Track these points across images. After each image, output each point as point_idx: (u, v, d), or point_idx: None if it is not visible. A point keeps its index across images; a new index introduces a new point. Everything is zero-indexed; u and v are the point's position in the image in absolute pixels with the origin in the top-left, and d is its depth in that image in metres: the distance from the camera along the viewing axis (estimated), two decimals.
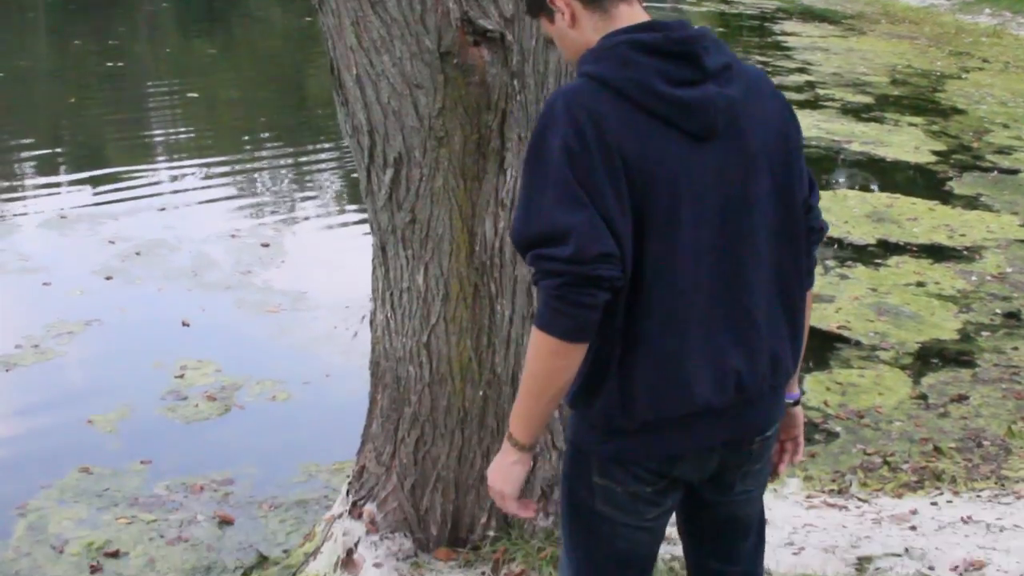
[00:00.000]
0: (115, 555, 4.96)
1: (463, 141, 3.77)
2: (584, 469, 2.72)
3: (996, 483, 5.57)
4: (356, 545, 4.25)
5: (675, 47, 2.55)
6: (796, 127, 2.80)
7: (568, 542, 2.86)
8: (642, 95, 2.51)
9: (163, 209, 9.80)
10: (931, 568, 4.29)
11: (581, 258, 2.40)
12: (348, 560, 4.23)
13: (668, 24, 2.61)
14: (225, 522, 5.27)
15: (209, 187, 10.80)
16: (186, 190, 10.58)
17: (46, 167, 11.61)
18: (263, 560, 4.89)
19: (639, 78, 2.51)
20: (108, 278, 8.09)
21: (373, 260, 4.21)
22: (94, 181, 10.76)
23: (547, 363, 2.51)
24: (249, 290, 7.98)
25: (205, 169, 11.60)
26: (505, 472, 2.71)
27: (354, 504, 4.34)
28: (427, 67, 3.66)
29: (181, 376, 6.58)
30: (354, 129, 3.92)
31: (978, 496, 5.34)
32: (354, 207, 10.44)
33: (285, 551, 4.98)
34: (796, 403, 2.98)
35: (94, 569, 4.85)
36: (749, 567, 3.00)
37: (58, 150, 12.62)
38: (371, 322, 4.30)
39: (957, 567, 4.35)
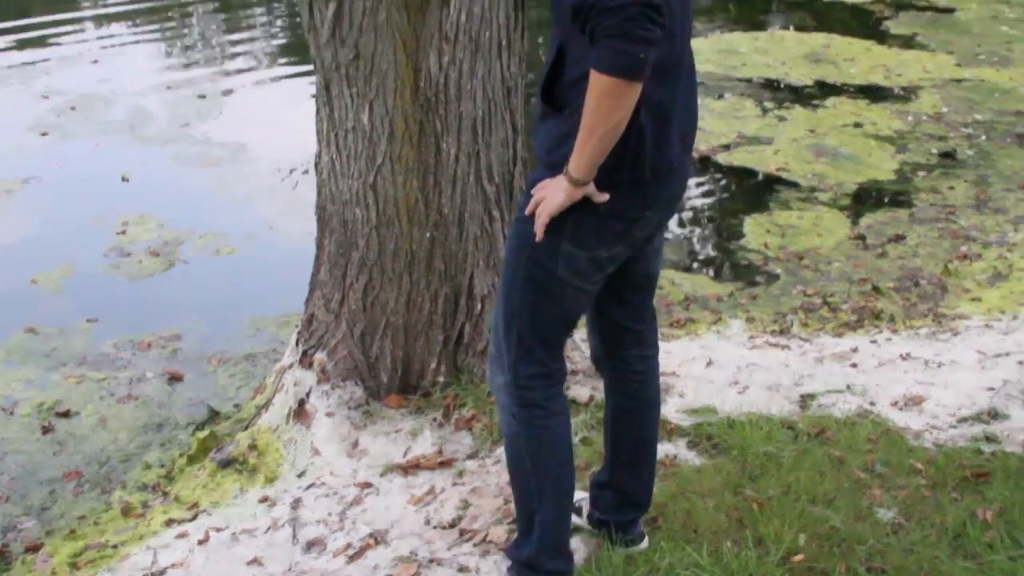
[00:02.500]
0: (66, 415, 4.95)
1: None
2: (555, 236, 2.93)
3: (933, 321, 5.65)
4: (308, 395, 4.25)
5: None
6: None
7: (510, 307, 3.05)
8: None
9: (96, 62, 9.62)
10: (872, 404, 4.35)
11: (650, 1, 2.62)
12: (300, 410, 4.24)
13: None
14: (175, 378, 5.27)
15: (141, 38, 10.61)
16: (118, 42, 10.37)
17: None
18: (214, 415, 4.89)
19: None
20: (44, 134, 7.96)
21: (316, 100, 4.16)
22: (21, 32, 10.52)
23: (602, 102, 2.72)
24: (188, 143, 7.89)
25: (135, 18, 11.36)
26: (554, 191, 2.89)
27: (304, 354, 4.34)
28: None
29: (123, 232, 6.53)
30: None
31: (916, 333, 5.41)
32: (291, 57, 10.30)
33: (236, 405, 5.01)
34: None
35: (46, 430, 4.84)
36: (651, 327, 3.29)
37: None
38: (316, 164, 4.26)
39: (897, 402, 4.42)
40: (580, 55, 2.82)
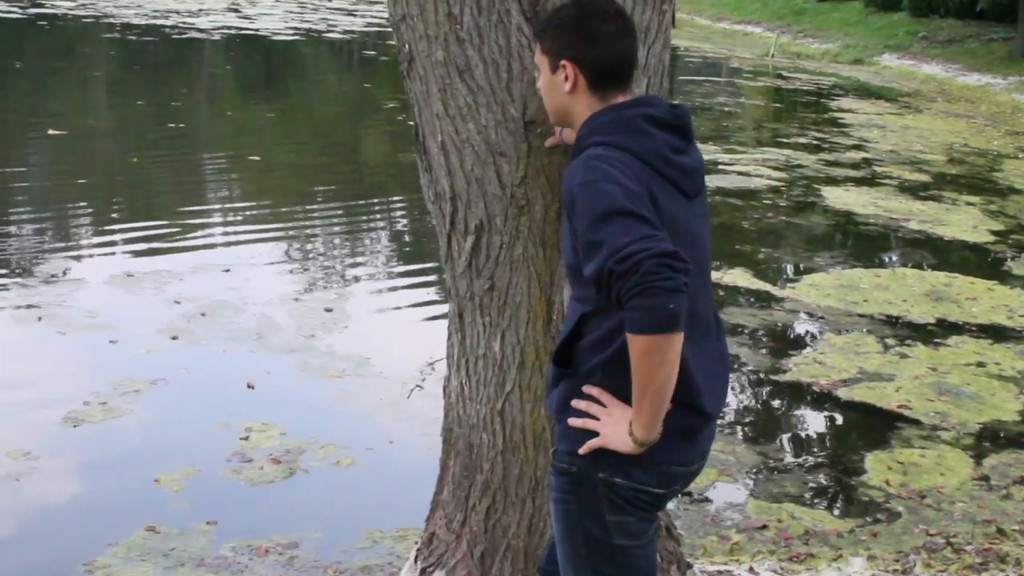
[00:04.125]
0: None
1: (544, 210, 3.82)
2: (596, 508, 3.01)
3: None
4: None
5: (675, 121, 3.05)
6: None
7: None
8: (657, 161, 2.95)
9: (227, 271, 9.89)
10: None
11: (664, 250, 2.71)
12: None
13: (658, 100, 3.13)
14: None
15: (271, 250, 10.89)
16: (249, 252, 10.67)
17: (110, 226, 11.74)
18: None
19: (654, 147, 2.96)
20: (174, 338, 8.17)
21: (449, 326, 4.25)
22: (158, 240, 10.89)
23: (644, 361, 2.78)
24: (313, 354, 8.05)
25: (266, 232, 11.71)
26: (618, 437, 2.94)
27: (423, 571, 4.35)
28: (511, 135, 3.73)
29: (246, 438, 6.63)
30: (437, 195, 3.98)
31: None
32: (412, 273, 10.51)
33: None
34: None
35: None
36: None
37: (120, 208, 12.76)
38: (445, 388, 4.34)
39: None
40: (602, 319, 2.90)
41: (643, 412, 2.84)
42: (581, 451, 2.98)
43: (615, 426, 2.92)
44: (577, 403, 3.02)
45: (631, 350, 2.77)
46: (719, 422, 7.01)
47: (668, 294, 2.68)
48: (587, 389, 3.00)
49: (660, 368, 2.76)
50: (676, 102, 3.16)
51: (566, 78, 3.08)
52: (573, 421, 3.02)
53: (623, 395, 2.92)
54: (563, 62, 3.08)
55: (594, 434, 2.97)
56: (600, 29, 3.05)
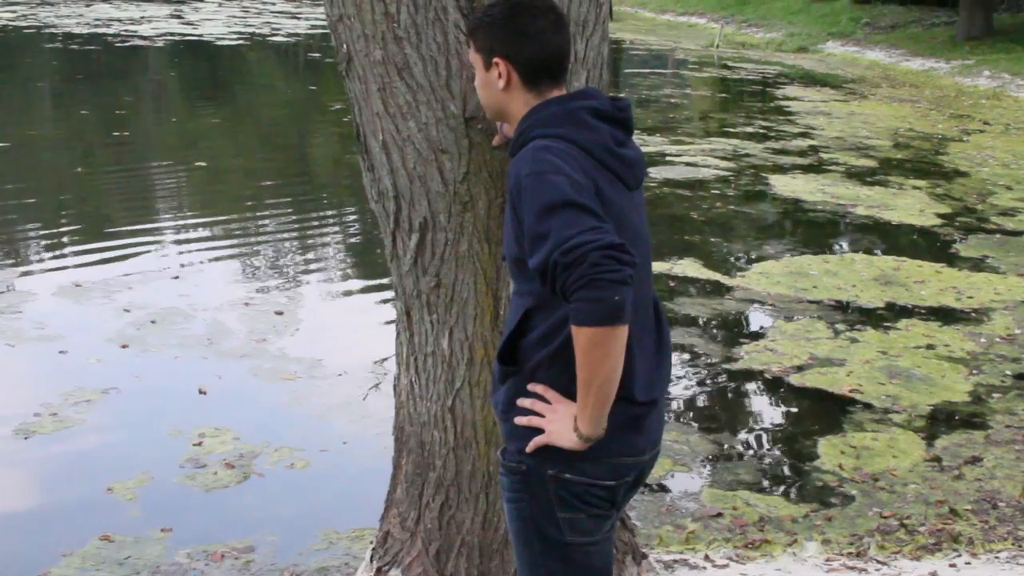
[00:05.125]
0: None
1: (487, 205, 3.82)
2: (547, 506, 3.01)
3: (1013, 544, 5.59)
4: None
5: (618, 114, 3.07)
6: None
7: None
8: (602, 153, 2.97)
9: (176, 278, 9.85)
10: None
11: (610, 242, 2.71)
12: None
13: (598, 93, 3.14)
14: None
15: (220, 256, 10.86)
16: (198, 258, 10.63)
17: (57, 236, 11.65)
18: None
19: (599, 139, 2.98)
20: (124, 346, 8.12)
21: (397, 325, 4.25)
22: (106, 250, 10.81)
23: (590, 354, 2.77)
24: (264, 358, 8.02)
25: (214, 238, 11.66)
26: (561, 433, 2.95)
27: (378, 570, 4.36)
28: (452, 132, 3.73)
29: (199, 444, 6.61)
30: (380, 194, 3.97)
31: (996, 557, 5.36)
32: (362, 274, 10.50)
33: None
34: None
35: None
36: None
37: (67, 219, 12.66)
38: (395, 387, 4.34)
39: None
40: (546, 314, 2.90)
41: (588, 406, 2.83)
42: (528, 449, 2.98)
43: (560, 422, 2.92)
44: (523, 402, 3.01)
45: (576, 343, 2.77)
46: (672, 412, 7.07)
47: (614, 286, 2.68)
48: (532, 387, 3.00)
49: (604, 360, 2.76)
50: (618, 95, 3.18)
51: (500, 75, 3.08)
52: (519, 420, 3.01)
53: (569, 391, 2.92)
54: (496, 59, 3.07)
55: (541, 431, 2.97)
56: (531, 25, 3.04)
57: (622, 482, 3.06)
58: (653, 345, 3.08)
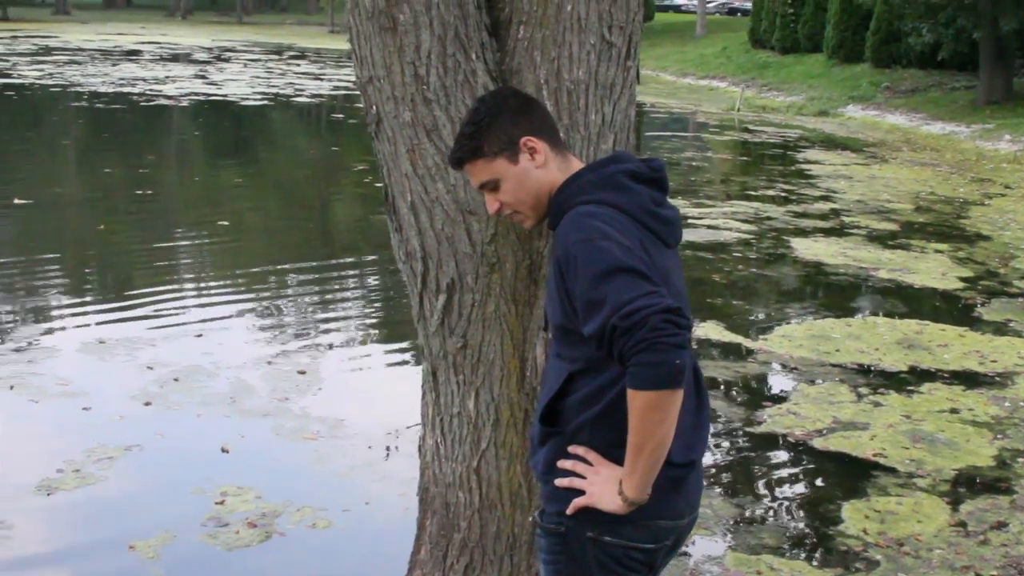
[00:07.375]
0: None
1: (515, 267, 3.84)
2: (584, 568, 3.03)
3: None
4: None
5: (654, 175, 3.12)
6: None
7: None
8: (642, 215, 3.01)
9: (200, 336, 9.88)
10: None
11: (668, 306, 2.74)
12: None
13: (628, 155, 3.20)
14: None
15: (243, 314, 10.89)
16: (220, 317, 10.66)
17: (80, 293, 11.72)
18: None
19: (639, 201, 3.03)
20: (147, 404, 8.13)
21: (423, 385, 4.25)
22: (129, 307, 10.85)
23: (647, 417, 2.78)
24: (287, 416, 8.02)
25: (237, 296, 11.71)
26: (605, 495, 2.96)
27: None
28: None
29: (221, 502, 6.60)
30: (407, 255, 3.99)
31: None
32: (384, 335, 10.52)
33: None
34: None
35: None
36: None
37: (90, 276, 12.74)
38: (420, 447, 4.34)
39: None
40: (591, 378, 2.91)
41: (637, 471, 2.83)
42: (568, 511, 2.99)
43: (603, 485, 2.92)
44: (563, 463, 3.02)
45: (632, 406, 2.77)
46: None
47: (674, 350, 2.70)
48: (573, 449, 3.01)
49: (660, 424, 2.77)
50: (649, 156, 3.20)
51: (532, 155, 3.14)
52: (560, 481, 3.02)
53: (610, 454, 2.92)
54: (522, 141, 3.13)
55: (581, 492, 2.97)
56: (519, 102, 3.21)
57: (661, 545, 3.06)
58: (693, 407, 3.09)
